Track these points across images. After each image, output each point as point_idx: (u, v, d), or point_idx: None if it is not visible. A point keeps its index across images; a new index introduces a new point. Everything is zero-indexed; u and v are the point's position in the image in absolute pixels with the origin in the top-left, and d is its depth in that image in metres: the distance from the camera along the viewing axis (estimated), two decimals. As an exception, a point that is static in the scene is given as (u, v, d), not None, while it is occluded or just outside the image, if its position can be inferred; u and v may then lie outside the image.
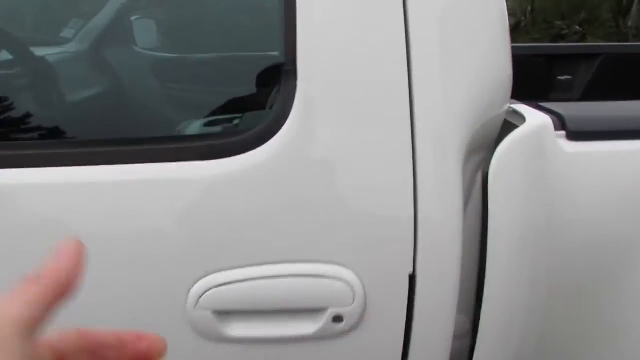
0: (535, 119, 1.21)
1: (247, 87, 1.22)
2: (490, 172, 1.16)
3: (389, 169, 1.07)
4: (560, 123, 1.23)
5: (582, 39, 7.56)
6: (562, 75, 2.89)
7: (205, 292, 1.07)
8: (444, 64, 1.10)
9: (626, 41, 7.38)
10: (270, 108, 1.08)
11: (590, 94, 2.88)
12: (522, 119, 1.25)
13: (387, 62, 1.07)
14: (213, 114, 1.19)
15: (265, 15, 1.18)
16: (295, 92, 1.05)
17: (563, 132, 1.22)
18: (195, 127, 1.20)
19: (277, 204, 1.07)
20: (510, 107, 1.29)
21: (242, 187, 1.05)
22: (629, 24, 7.82)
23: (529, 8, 7.62)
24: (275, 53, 1.09)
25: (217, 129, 1.17)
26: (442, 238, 1.11)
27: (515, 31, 7.67)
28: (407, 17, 1.07)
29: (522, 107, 1.30)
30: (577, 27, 7.65)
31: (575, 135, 1.21)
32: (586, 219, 1.22)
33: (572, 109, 1.29)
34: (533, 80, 2.79)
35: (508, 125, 1.27)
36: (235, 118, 1.18)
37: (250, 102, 1.18)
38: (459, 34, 1.12)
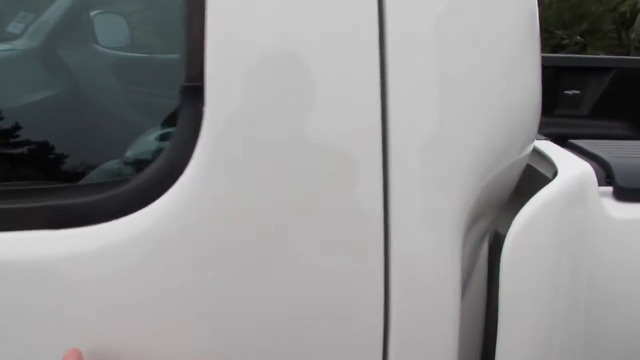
0: (570, 169, 0.82)
1: (123, 114, 0.81)
2: (505, 252, 0.77)
3: (347, 253, 0.69)
4: (605, 174, 0.85)
5: (583, 49, 7.36)
6: (569, 89, 2.64)
7: None
8: (437, 87, 0.72)
9: (627, 53, 7.13)
10: (159, 149, 0.69)
11: (600, 112, 2.61)
12: (551, 165, 0.87)
13: (349, 81, 0.68)
14: (63, 155, 0.78)
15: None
16: (200, 125, 0.65)
17: (609, 189, 0.84)
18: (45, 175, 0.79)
19: (158, 303, 0.67)
20: (534, 149, 0.90)
21: (101, 276, 0.66)
22: (632, 36, 7.63)
23: (529, 15, 7.34)
24: (171, 60, 0.70)
25: (65, 179, 0.76)
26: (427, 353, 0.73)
27: (515, 39, 7.40)
28: (382, 14, 0.68)
29: (550, 148, 0.91)
30: (578, 38, 7.44)
31: (627, 193, 0.83)
32: None
33: (620, 153, 0.91)
34: None
35: (530, 172, 0.89)
36: (98, 163, 0.77)
37: (125, 139, 0.77)
38: (462, 45, 0.73)
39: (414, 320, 0.73)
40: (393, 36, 0.68)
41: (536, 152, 0.93)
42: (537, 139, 1.02)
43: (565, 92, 2.59)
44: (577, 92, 2.59)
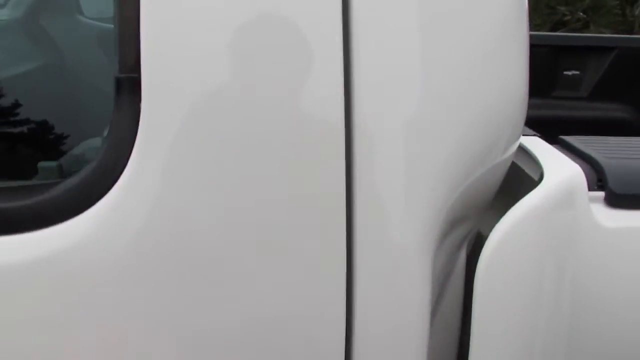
0: (557, 173, 0.75)
1: (45, 111, 0.72)
2: (483, 261, 0.70)
3: (304, 270, 0.61)
4: (597, 177, 0.78)
5: (585, 26, 7.20)
6: (569, 69, 2.55)
7: None
8: (407, 77, 0.64)
9: (631, 31, 6.99)
10: (88, 151, 0.62)
11: (600, 93, 2.54)
12: (537, 166, 0.79)
13: (307, 71, 0.59)
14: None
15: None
16: (137, 122, 0.57)
17: (601, 194, 0.76)
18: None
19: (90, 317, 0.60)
20: (520, 146, 0.82)
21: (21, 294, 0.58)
22: (636, 12, 7.46)
23: (532, -9, 7.20)
24: (102, 47, 0.62)
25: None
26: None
27: (516, 15, 7.27)
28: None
29: (538, 147, 0.84)
30: (581, 14, 7.28)
31: (620, 200, 0.76)
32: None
33: (615, 153, 0.83)
34: (535, 73, 2.45)
35: (517, 171, 0.81)
36: (17, 167, 0.69)
37: (50, 139, 0.69)
38: (438, 31, 0.65)
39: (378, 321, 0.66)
40: (359, 34, 0.60)
41: (524, 150, 0.85)
42: (526, 135, 0.94)
43: (565, 72, 2.50)
44: (577, 72, 2.50)
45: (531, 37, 2.94)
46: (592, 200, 0.76)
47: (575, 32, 6.63)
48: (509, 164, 0.78)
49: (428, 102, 0.65)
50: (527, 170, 0.83)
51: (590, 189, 0.76)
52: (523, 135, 0.93)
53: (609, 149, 0.84)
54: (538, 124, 2.34)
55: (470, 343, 0.70)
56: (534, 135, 0.93)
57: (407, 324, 0.66)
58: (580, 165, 0.78)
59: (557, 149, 0.85)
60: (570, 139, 0.88)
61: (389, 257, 0.65)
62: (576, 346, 0.74)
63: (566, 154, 0.82)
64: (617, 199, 0.75)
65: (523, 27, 0.75)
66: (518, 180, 0.84)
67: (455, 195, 0.68)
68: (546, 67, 2.54)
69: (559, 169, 0.76)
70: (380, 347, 0.67)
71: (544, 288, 0.71)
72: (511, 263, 0.70)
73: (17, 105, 0.73)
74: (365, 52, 0.61)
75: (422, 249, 0.65)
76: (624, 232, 0.75)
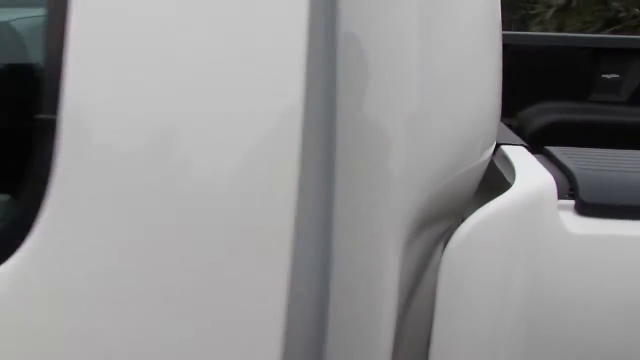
0: (527, 181, 0.80)
1: None
2: (442, 272, 0.75)
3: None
4: (569, 186, 0.82)
5: (642, 23, 6.90)
6: (608, 72, 2.50)
7: None
8: (396, 78, 0.67)
9: (690, 27, 6.70)
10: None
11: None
12: (512, 172, 0.84)
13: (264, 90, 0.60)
14: None
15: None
16: (50, 166, 0.56)
17: (571, 202, 0.81)
18: None
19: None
20: (500, 150, 0.87)
21: None
22: (697, 8, 7.10)
23: (584, -15, 6.95)
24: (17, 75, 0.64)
25: None
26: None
27: (565, 11, 7.02)
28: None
29: (519, 156, 0.88)
30: (637, 10, 6.97)
31: (590, 208, 0.80)
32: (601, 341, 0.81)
33: (592, 163, 0.87)
34: (572, 76, 2.46)
35: (498, 176, 0.86)
36: None
37: None
38: (422, 34, 0.69)
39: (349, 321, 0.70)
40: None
41: (505, 159, 0.90)
42: (514, 144, 0.98)
43: (603, 75, 2.47)
44: (616, 76, 2.47)
45: (569, 39, 2.88)
46: (563, 207, 0.80)
47: (630, 30, 6.39)
48: (484, 168, 0.83)
49: (408, 102, 0.68)
50: (506, 177, 0.88)
51: (562, 197, 0.81)
52: (512, 144, 0.98)
53: (587, 160, 0.87)
54: (574, 129, 2.30)
55: (432, 333, 0.76)
56: (521, 145, 0.97)
57: (374, 312, 0.70)
58: (556, 175, 0.82)
59: (538, 158, 0.90)
60: (553, 150, 0.92)
61: (360, 247, 0.68)
62: (536, 343, 0.78)
63: (544, 164, 0.86)
64: (586, 208, 0.79)
65: (497, 32, 0.79)
66: (500, 185, 0.89)
67: (428, 195, 0.72)
68: (584, 70, 2.49)
69: (530, 176, 0.81)
70: (348, 336, 0.72)
71: (503, 286, 0.75)
72: (473, 260, 0.75)
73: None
74: (344, 51, 0.63)
75: (392, 242, 0.70)
76: (591, 238, 0.79)
